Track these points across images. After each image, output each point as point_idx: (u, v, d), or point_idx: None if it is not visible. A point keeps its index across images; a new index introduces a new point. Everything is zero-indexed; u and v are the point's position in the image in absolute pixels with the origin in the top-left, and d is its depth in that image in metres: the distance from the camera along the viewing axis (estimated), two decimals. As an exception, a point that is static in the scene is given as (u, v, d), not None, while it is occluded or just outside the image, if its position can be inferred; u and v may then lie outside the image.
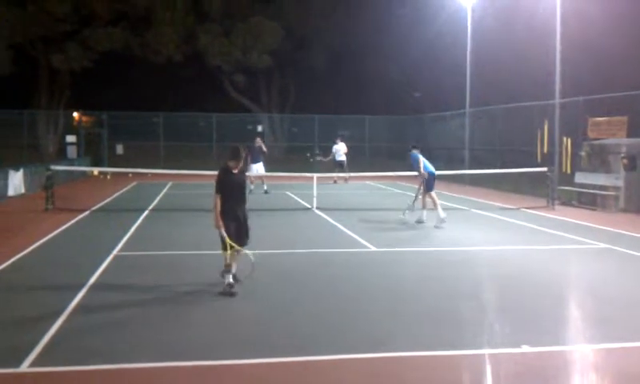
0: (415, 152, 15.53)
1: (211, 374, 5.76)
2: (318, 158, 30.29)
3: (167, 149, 38.17)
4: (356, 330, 7.03)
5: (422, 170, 15.25)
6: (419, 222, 15.30)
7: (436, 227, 14.66)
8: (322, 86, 45.56)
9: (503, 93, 29.51)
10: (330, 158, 28.78)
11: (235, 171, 8.64)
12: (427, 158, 15.75)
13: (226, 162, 8.70)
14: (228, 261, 8.48)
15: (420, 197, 15.62)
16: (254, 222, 14.45)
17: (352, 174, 26.19)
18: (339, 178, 26.16)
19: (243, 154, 8.70)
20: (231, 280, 8.38)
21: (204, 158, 36.30)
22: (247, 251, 8.69)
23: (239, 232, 8.59)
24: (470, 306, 8.17)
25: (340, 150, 28.60)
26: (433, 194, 15.35)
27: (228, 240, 8.31)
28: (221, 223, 8.37)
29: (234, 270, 8.59)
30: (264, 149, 23.18)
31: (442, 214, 14.92)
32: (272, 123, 44.29)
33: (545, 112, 23.23)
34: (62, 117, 41.33)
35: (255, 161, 22.79)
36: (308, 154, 37.26)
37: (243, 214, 8.73)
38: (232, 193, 8.55)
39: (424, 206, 15.52)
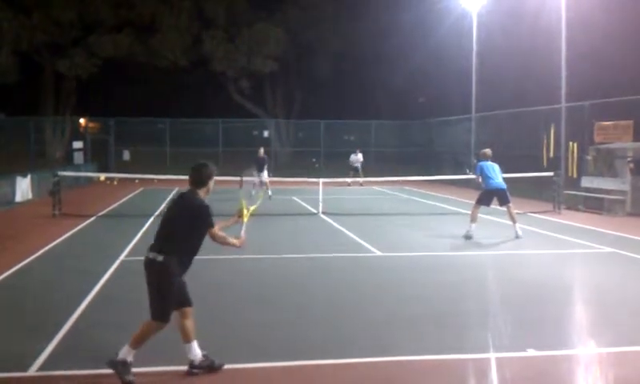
0: (481, 162, 14.39)
1: (221, 379, 5.77)
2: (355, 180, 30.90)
3: (173, 154, 38.29)
4: (361, 334, 7.04)
5: (478, 177, 14.39)
6: (467, 237, 13.96)
7: (465, 237, 13.93)
8: (328, 92, 45.64)
9: (509, 97, 29.48)
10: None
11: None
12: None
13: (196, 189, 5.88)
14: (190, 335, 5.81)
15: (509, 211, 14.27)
16: (260, 227, 14.42)
17: (357, 180, 26.76)
18: (354, 182, 28.39)
19: (212, 184, 5.97)
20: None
21: (210, 163, 36.33)
22: None
23: (183, 293, 5.77)
24: (475, 310, 8.17)
25: (359, 159, 32.45)
26: (478, 207, 14.25)
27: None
28: (237, 240, 5.93)
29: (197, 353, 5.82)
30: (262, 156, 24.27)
31: (472, 229, 14.06)
32: (278, 129, 44.34)
33: (551, 116, 23.20)
34: (68, 123, 41.48)
35: (260, 170, 23.43)
36: (313, 160, 37.37)
37: None
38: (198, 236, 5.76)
39: (473, 220, 14.15)
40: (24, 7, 36.75)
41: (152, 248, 5.66)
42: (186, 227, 5.67)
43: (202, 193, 5.86)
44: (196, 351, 5.78)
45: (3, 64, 36.62)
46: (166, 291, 5.59)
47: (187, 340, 5.77)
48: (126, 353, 5.57)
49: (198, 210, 5.72)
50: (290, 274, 10.47)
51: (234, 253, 11.79)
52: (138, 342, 5.61)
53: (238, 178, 16.17)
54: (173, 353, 5.87)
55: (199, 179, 5.88)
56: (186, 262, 5.71)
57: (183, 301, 5.75)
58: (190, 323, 5.78)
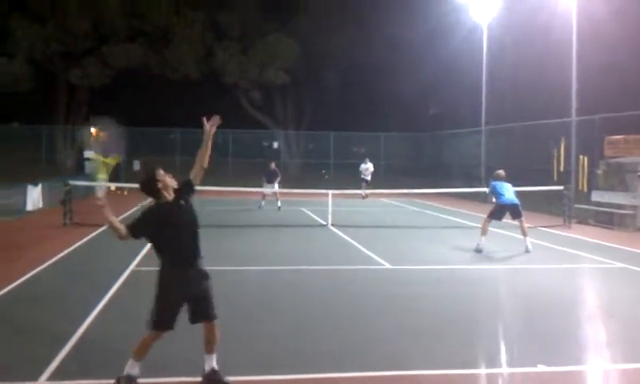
0: (494, 182, 14.55)
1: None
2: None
3: (183, 164, 38.33)
4: (371, 348, 7.02)
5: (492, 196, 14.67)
6: (477, 250, 14.01)
7: (475, 251, 13.94)
8: (338, 103, 45.64)
9: (519, 110, 29.44)
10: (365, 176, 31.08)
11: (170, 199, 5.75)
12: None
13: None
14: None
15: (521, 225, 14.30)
16: (269, 238, 14.37)
17: (369, 191, 26.83)
18: (366, 193, 27.97)
19: (162, 180, 5.71)
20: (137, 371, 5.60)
21: (220, 173, 36.47)
22: None
23: (197, 306, 5.76)
24: (485, 324, 8.14)
25: (369, 168, 31.15)
26: (489, 220, 14.37)
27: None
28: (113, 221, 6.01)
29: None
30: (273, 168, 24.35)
31: (482, 242, 14.13)
32: (288, 140, 44.42)
33: (561, 130, 23.16)
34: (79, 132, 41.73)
35: (270, 182, 23.90)
36: (323, 171, 37.35)
37: (202, 275, 5.82)
38: (179, 239, 5.76)
39: (483, 233, 14.27)
40: (39, 17, 37.11)
41: None
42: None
43: (161, 200, 5.76)
44: (209, 363, 5.77)
45: (17, 72, 36.97)
46: (158, 299, 5.62)
47: (205, 351, 5.81)
48: (130, 366, 5.59)
49: None
50: (299, 285, 10.47)
51: (242, 264, 11.87)
52: (138, 353, 5.62)
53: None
54: (186, 364, 5.87)
55: (151, 193, 5.80)
56: (172, 270, 5.68)
57: (201, 315, 5.76)
58: (208, 336, 5.79)
